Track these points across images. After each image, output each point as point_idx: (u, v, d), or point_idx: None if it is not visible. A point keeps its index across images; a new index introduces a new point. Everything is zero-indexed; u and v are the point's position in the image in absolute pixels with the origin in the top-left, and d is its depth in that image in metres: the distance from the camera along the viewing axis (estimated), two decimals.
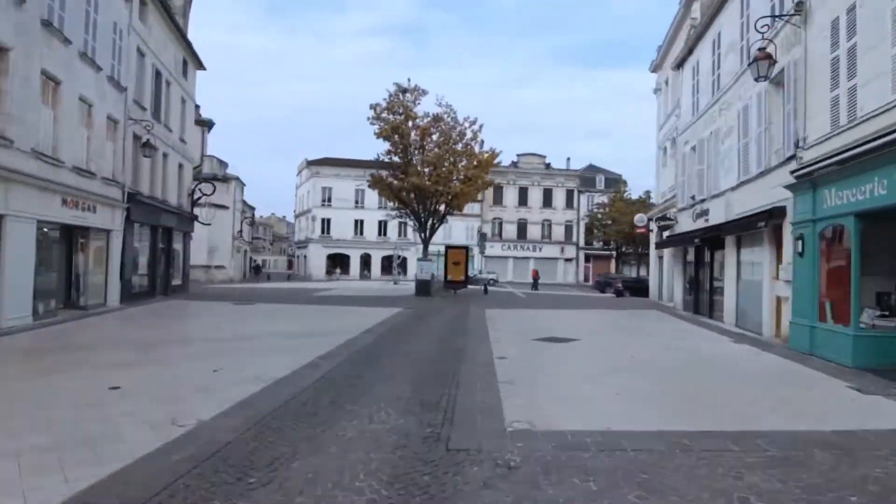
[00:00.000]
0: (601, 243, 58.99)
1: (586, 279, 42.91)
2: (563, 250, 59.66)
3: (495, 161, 28.15)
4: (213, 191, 26.95)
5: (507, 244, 58.40)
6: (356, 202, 55.02)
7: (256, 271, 61.16)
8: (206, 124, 41.05)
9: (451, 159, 26.88)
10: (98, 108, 15.78)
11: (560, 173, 59.88)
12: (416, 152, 26.75)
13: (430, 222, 28.15)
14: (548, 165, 60.00)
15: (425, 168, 26.65)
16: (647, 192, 50.92)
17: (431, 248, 33.26)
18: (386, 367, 8.27)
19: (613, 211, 52.16)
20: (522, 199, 59.16)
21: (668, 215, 21.87)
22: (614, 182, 61.21)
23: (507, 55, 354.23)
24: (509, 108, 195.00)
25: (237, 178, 42.23)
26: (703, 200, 17.03)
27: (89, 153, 15.45)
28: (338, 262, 55.22)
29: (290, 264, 71.36)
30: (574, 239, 59.94)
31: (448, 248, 28.30)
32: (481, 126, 27.55)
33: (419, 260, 27.79)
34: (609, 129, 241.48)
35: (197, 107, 42.30)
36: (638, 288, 32.55)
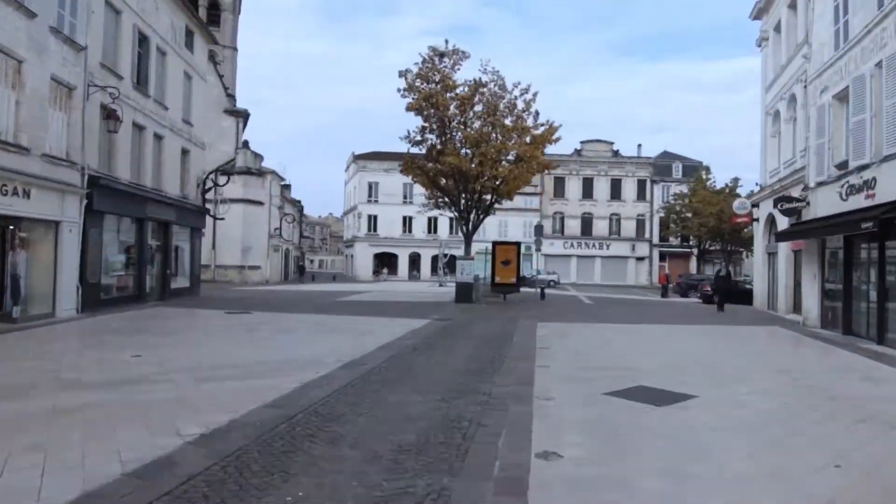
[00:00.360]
0: (679, 239, 52.04)
1: (668, 280, 36.75)
2: (633, 248, 53.19)
3: (554, 138, 22.87)
4: (227, 181, 23.64)
5: (569, 241, 52.70)
6: (404, 197, 51.17)
7: (301, 272, 59.00)
8: (241, 115, 38.42)
9: (498, 136, 22.09)
10: (33, 66, 12.36)
11: (630, 161, 53.42)
12: (456, 128, 22.15)
13: (472, 214, 23.49)
14: (616, 153, 53.70)
15: (467, 147, 22.01)
16: (735, 180, 43.86)
17: (479, 246, 28.65)
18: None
19: (695, 201, 45.30)
20: (587, 191, 53.20)
21: (789, 195, 16.09)
22: (693, 170, 53.91)
23: (555, 51, 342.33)
24: (564, 104, 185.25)
25: (273, 173, 39.37)
26: (864, 167, 11.39)
27: (18, 122, 12.04)
28: (385, 262, 51.65)
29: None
30: (646, 235, 53.33)
31: (496, 244, 23.52)
32: (535, 94, 22.56)
33: (459, 259, 23.15)
34: (675, 123, 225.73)
35: (230, 96, 39.90)
36: (731, 292, 26.20)
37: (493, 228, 51.65)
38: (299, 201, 75.47)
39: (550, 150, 24.53)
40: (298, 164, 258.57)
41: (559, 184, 52.94)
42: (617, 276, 51.76)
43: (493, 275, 22.49)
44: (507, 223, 51.19)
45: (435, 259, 50.29)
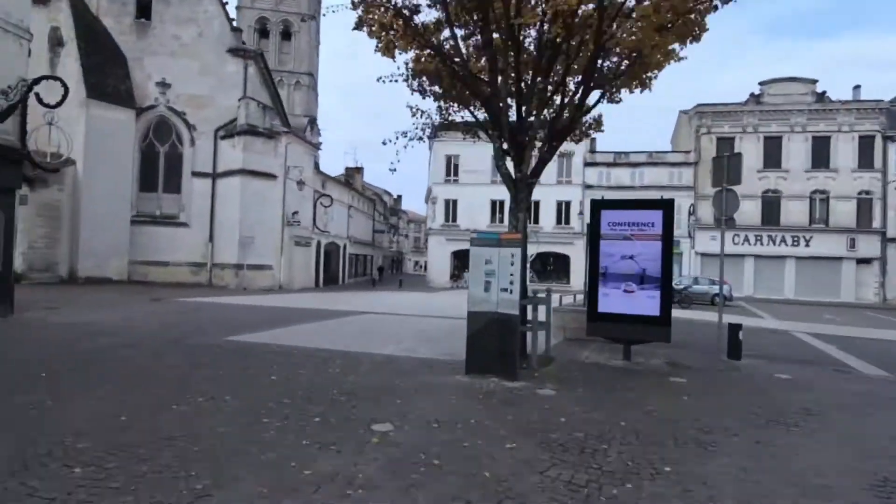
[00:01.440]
0: None
1: None
2: (852, 243, 33.86)
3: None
4: (60, 102, 12.07)
5: (742, 233, 35.02)
6: (494, 175, 37.64)
7: (379, 274, 48.39)
8: (251, 56, 27.88)
9: None
10: None
11: (845, 108, 34.11)
12: None
13: (539, 137, 9.44)
14: (821, 95, 34.68)
15: None
16: None
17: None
18: None
19: None
20: (772, 158, 35.01)
21: None
22: None
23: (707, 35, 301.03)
24: (720, 91, 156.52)
25: (289, 133, 28.13)
26: None
27: None
28: (465, 262, 38.46)
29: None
30: (874, 223, 33.68)
31: (600, 205, 9.05)
32: None
33: (477, 241, 8.57)
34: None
35: (236, 31, 29.66)
36: None
37: None
38: (388, 193, 65.36)
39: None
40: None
41: (725, 147, 35.45)
42: (823, 286, 33.09)
43: (591, 292, 8.32)
44: None
45: (541, 257, 35.99)
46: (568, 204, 36.82)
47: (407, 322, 14.24)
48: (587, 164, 36.54)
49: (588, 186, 36.46)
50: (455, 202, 38.17)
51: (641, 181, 36.02)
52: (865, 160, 33.86)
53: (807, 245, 34.32)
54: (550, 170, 37.15)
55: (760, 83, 35.31)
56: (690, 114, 36.15)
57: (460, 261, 38.65)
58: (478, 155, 37.42)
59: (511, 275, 7.03)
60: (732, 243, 35.14)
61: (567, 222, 36.88)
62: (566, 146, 37.72)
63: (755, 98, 35.12)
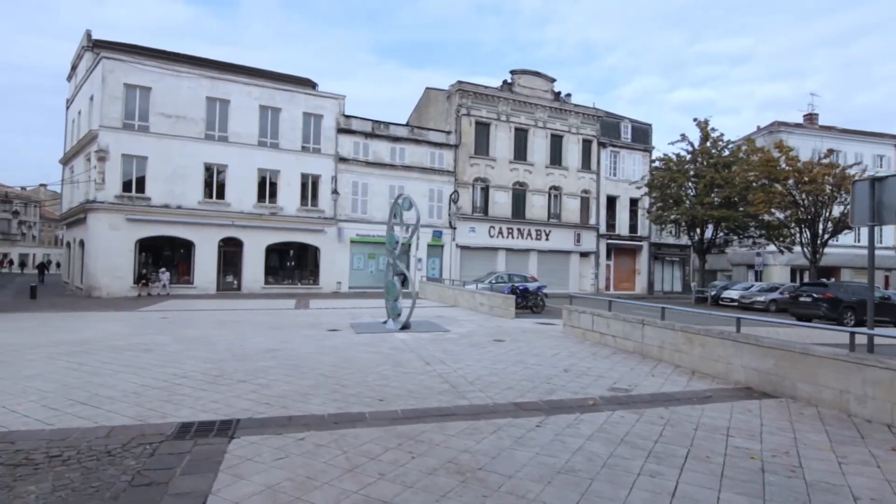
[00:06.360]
0: (665, 229, 36.92)
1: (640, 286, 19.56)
2: (578, 238, 36.09)
3: None
4: None
5: (497, 226, 33.16)
6: (211, 128, 25.60)
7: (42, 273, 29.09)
8: None
9: None
10: None
11: (576, 111, 36.02)
12: None
13: None
14: (557, 95, 35.79)
15: None
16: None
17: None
18: None
19: (709, 167, 30.18)
20: (520, 150, 34.28)
21: None
22: (644, 134, 39.34)
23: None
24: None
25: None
26: None
27: None
28: (161, 256, 25.01)
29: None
30: (592, 220, 36.74)
31: None
32: None
33: None
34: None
35: None
36: None
37: (380, 199, 29.52)
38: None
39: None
40: None
41: (482, 132, 32.94)
42: (557, 277, 34.00)
43: None
44: (402, 189, 29.43)
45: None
46: (317, 179, 27.97)
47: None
48: (340, 131, 28.50)
49: (342, 159, 28.47)
50: (143, 161, 24.31)
51: (402, 159, 30.21)
52: (586, 162, 36.58)
53: (546, 239, 34.91)
54: (294, 131, 27.62)
55: (512, 72, 34.21)
56: (451, 91, 32.32)
57: (152, 254, 25.05)
58: (184, 91, 24.98)
59: None
60: (489, 236, 33.03)
61: (315, 203, 28.00)
62: (314, 102, 28.70)
63: (508, 86, 33.80)
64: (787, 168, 27.63)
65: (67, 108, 31.07)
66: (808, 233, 28.34)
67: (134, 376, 7.21)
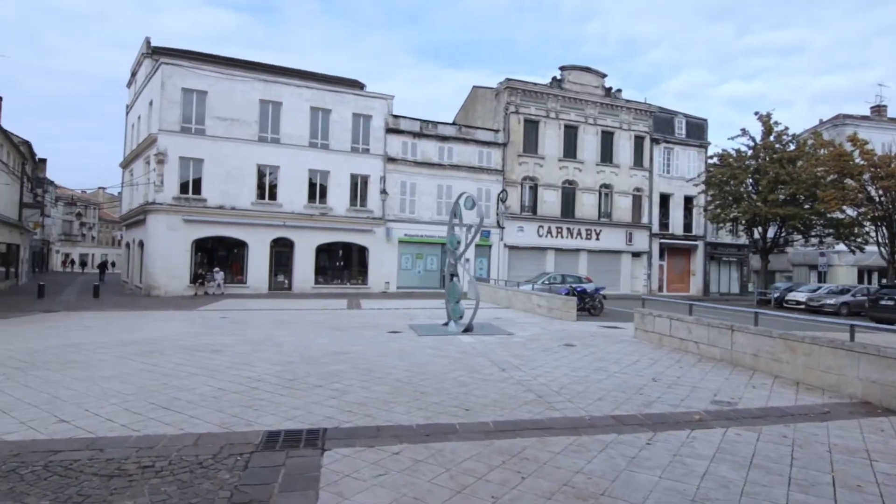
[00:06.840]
0: (723, 228, 35.54)
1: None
2: (630, 238, 34.92)
3: None
4: None
5: (546, 225, 32.43)
6: (264, 131, 25.95)
7: (102, 272, 30.43)
8: None
9: None
10: None
11: (627, 106, 34.83)
12: None
13: None
14: (608, 90, 34.74)
15: None
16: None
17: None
18: None
19: (775, 163, 28.61)
20: (569, 147, 33.43)
21: None
22: (698, 128, 37.75)
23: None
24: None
25: None
26: None
27: None
28: (215, 256, 25.48)
29: None
30: (644, 219, 35.47)
31: None
32: None
33: None
34: None
35: None
36: None
37: (428, 199, 29.28)
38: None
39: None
40: None
41: (531, 130, 32.29)
42: (607, 278, 32.89)
43: None
44: (450, 188, 29.13)
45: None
46: (366, 179, 27.98)
47: None
48: (389, 131, 28.42)
49: (391, 159, 28.38)
50: (200, 164, 24.87)
51: (451, 158, 29.90)
52: (638, 159, 35.36)
53: (597, 238, 33.91)
54: (343, 132, 27.72)
55: (561, 68, 33.38)
56: (500, 88, 31.80)
57: (207, 254, 25.58)
58: (237, 95, 25.38)
59: None
60: (537, 235, 32.34)
61: (364, 203, 28.02)
62: (363, 102, 28.36)
63: (558, 83, 33.00)
64: (861, 162, 25.84)
65: (127, 113, 32.18)
66: (885, 231, 26.43)
67: (210, 379, 7.09)
